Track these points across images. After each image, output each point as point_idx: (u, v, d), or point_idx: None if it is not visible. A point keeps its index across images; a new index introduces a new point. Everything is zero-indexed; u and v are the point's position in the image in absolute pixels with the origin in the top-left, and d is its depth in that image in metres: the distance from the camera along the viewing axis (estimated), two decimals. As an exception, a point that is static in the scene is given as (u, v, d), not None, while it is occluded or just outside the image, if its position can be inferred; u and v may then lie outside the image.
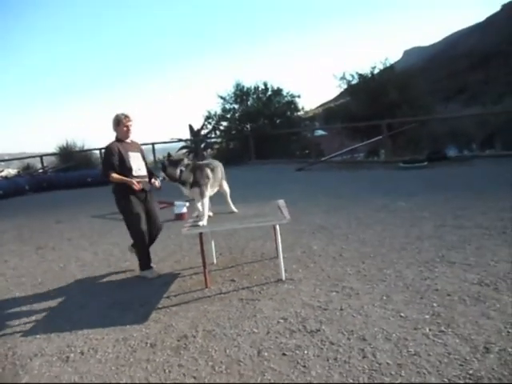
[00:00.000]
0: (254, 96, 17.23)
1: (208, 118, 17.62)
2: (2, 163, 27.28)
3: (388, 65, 14.45)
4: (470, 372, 2.15)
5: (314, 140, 17.32)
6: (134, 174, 4.00)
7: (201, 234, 3.62)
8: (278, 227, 3.59)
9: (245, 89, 17.17)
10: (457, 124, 18.10)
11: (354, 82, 14.82)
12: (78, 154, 19.35)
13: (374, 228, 5.08)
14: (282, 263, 3.71)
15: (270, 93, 17.13)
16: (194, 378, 2.37)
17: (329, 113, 16.36)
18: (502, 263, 3.56)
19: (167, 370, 2.47)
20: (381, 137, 11.89)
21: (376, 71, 14.44)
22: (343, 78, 14.95)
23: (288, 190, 8.55)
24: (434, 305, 2.93)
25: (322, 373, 2.28)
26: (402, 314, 2.84)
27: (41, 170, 17.43)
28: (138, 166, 4.06)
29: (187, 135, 21.32)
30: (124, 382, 2.40)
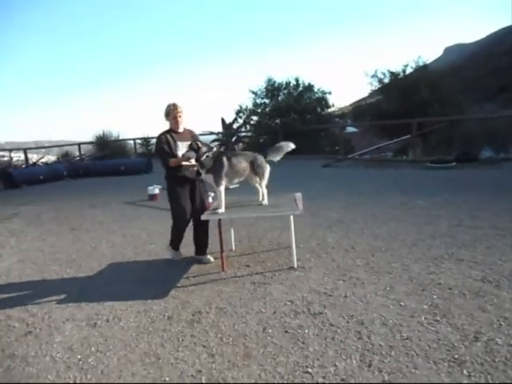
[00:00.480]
0: (285, 91, 17.36)
1: (239, 112, 17.89)
2: (43, 150, 28.74)
3: (421, 63, 14.27)
4: (456, 356, 2.32)
5: (344, 137, 17.33)
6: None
7: (219, 220, 3.89)
8: (291, 218, 3.80)
9: (276, 84, 17.32)
10: (494, 125, 17.58)
11: (386, 80, 14.76)
12: (113, 144, 20.12)
13: (388, 224, 5.21)
14: (295, 252, 3.94)
15: (301, 88, 17.21)
16: (204, 346, 2.65)
17: (358, 110, 16.30)
18: (508, 263, 3.65)
19: (180, 339, 2.76)
20: (409, 136, 11.82)
21: (408, 70, 14.31)
22: (375, 75, 14.89)
23: (311, 185, 8.72)
24: (434, 297, 3.09)
25: (319, 349, 2.50)
26: (402, 304, 3.01)
27: (78, 158, 18.25)
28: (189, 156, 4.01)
29: (219, 128, 21.73)
30: (142, 346, 2.70)
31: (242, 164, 4.04)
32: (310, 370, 2.31)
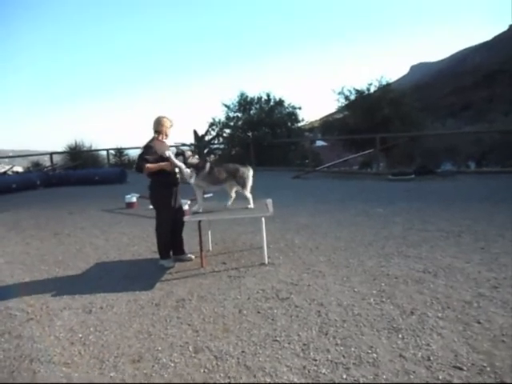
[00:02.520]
0: (257, 106, 18.05)
1: (212, 124, 18.42)
2: (6, 160, 28.11)
3: (384, 82, 15.29)
4: (394, 326, 2.90)
5: (313, 150, 18.13)
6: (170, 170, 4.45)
7: (199, 221, 4.38)
8: (263, 219, 4.34)
9: (248, 98, 18.00)
10: (454, 140, 18.84)
11: (352, 97, 15.68)
12: (86, 154, 20.20)
13: (350, 228, 5.83)
14: (266, 251, 4.47)
15: (272, 103, 17.95)
16: (189, 325, 3.12)
17: (327, 125, 17.16)
18: (447, 258, 4.31)
19: (168, 320, 3.22)
20: (372, 150, 12.67)
21: (373, 88, 15.29)
22: (341, 92, 15.81)
23: (281, 194, 9.31)
24: (382, 284, 3.68)
25: (285, 324, 3.03)
26: (355, 290, 3.59)
27: (50, 167, 18.23)
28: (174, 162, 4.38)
29: (191, 140, 22.21)
30: (135, 326, 3.15)
31: (222, 174, 4.55)
32: (278, 338, 2.82)
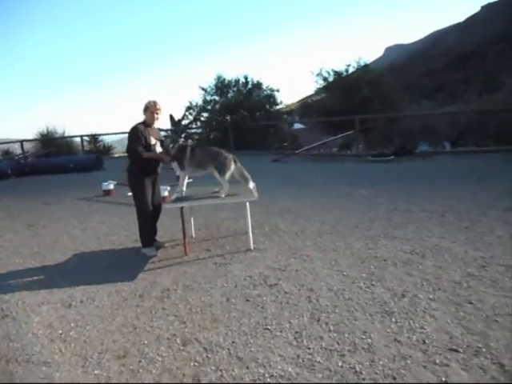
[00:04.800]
0: (235, 88, 17.76)
1: (189, 108, 18.04)
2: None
3: (362, 63, 15.21)
4: (386, 309, 2.85)
5: (292, 133, 18.01)
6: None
7: (181, 207, 4.23)
8: (247, 204, 4.22)
9: (226, 81, 17.67)
10: (431, 121, 19.06)
11: (330, 78, 15.56)
12: (58, 141, 19.55)
13: (334, 211, 5.77)
14: (251, 236, 4.36)
15: (250, 86, 17.69)
16: (175, 316, 3.00)
17: (305, 107, 17.04)
18: (433, 238, 4.29)
19: (153, 312, 3.09)
20: (352, 131, 12.65)
21: (351, 69, 15.21)
22: (320, 74, 15.67)
23: (263, 178, 9.14)
24: (371, 267, 3.63)
25: (276, 311, 2.94)
26: (345, 273, 3.53)
27: (21, 155, 17.57)
28: (157, 151, 4.41)
29: (167, 125, 21.73)
30: (118, 320, 3.00)
31: (203, 158, 4.37)
32: (269, 327, 2.73)
